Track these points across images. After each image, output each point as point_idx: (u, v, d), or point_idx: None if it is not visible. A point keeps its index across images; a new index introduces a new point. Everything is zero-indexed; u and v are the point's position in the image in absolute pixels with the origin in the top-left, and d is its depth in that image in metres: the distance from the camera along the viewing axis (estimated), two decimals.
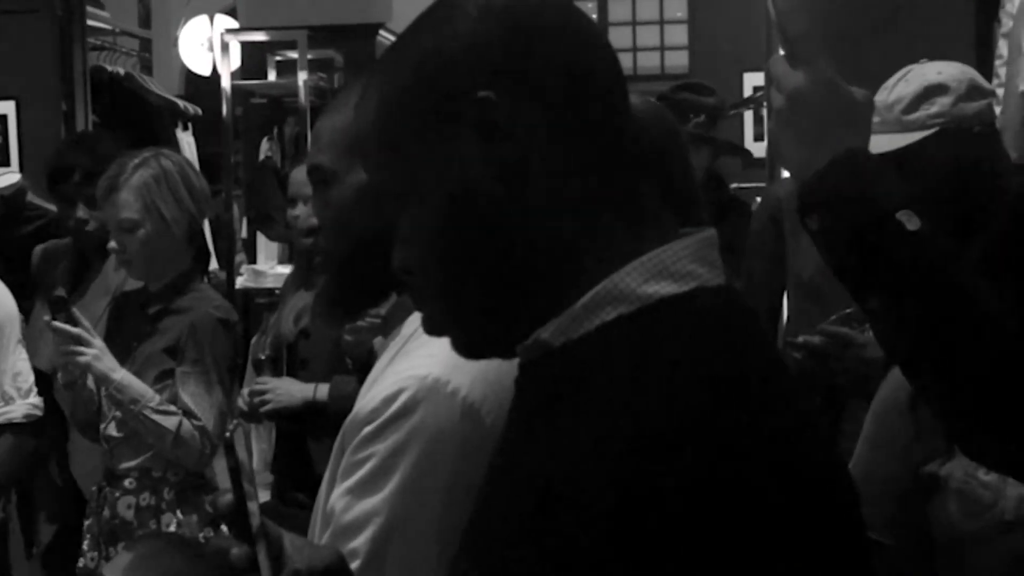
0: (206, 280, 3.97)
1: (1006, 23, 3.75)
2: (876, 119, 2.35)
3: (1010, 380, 1.38)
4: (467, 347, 1.12)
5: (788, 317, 3.56)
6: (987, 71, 3.28)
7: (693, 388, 0.95)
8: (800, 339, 2.47)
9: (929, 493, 1.97)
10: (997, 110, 2.91)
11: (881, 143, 2.29)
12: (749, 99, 6.76)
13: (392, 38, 7.86)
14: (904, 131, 2.38)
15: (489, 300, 1.07)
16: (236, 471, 1.12)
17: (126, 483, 3.32)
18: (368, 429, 1.42)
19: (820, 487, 0.99)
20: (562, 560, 0.91)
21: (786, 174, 3.57)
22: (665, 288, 1.01)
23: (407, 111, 1.06)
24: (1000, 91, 3.45)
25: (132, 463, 3.32)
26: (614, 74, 1.08)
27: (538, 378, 1.06)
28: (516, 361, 1.11)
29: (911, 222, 1.33)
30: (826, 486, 1.01)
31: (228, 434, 1.14)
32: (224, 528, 1.17)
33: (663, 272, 1.02)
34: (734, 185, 6.28)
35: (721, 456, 0.92)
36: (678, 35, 11.49)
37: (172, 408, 3.25)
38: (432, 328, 1.12)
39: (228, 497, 1.13)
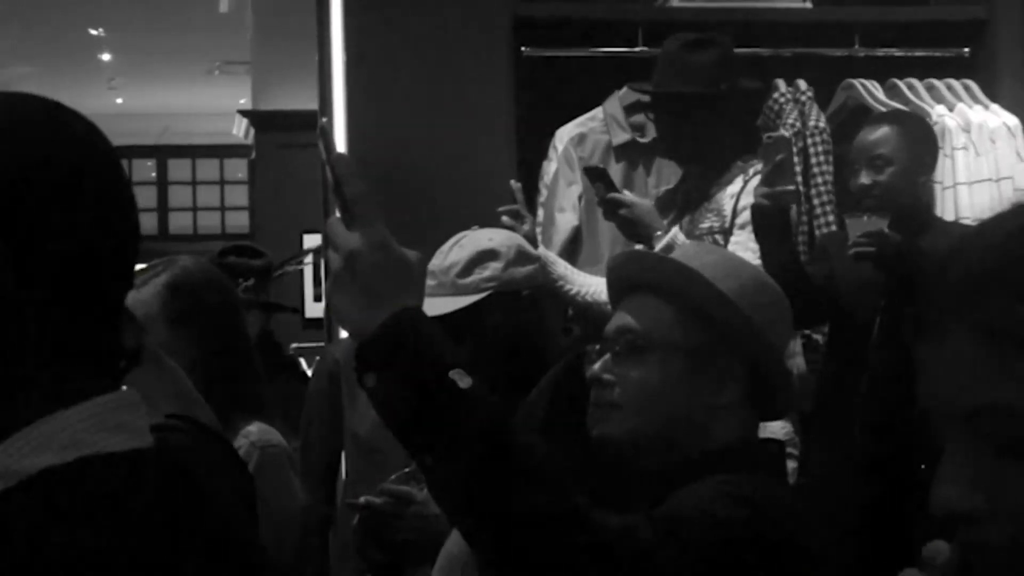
0: None
1: (543, 192, 4.06)
2: (432, 282, 2.44)
3: (557, 544, 1.42)
4: None
5: (346, 475, 3.58)
6: None
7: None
8: (361, 500, 2.47)
9: None
10: None
11: (437, 305, 2.37)
12: (294, 257, 6.81)
13: None
14: (458, 294, 2.47)
15: None
16: None
17: None
18: None
19: None
20: None
21: (344, 334, 3.62)
22: (44, 460, 0.94)
23: None
24: None
25: None
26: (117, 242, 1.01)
27: None
28: None
29: (463, 381, 1.37)
30: None
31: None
32: None
33: (45, 444, 0.95)
34: (294, 345, 6.32)
35: None
36: (239, 196, 11.55)
37: None
38: None
39: None
